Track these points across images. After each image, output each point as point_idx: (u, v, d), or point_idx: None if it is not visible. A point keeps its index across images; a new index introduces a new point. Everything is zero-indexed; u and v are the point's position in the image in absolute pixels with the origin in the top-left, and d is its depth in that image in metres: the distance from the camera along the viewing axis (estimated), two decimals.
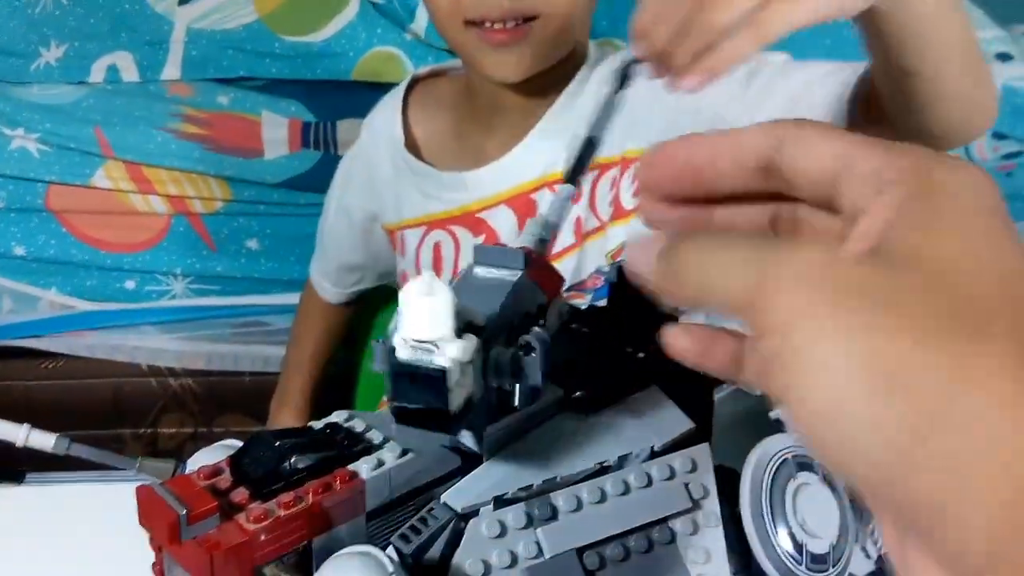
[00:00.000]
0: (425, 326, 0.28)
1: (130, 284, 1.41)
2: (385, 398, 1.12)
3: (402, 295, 0.28)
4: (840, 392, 0.21)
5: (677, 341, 0.31)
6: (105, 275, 1.40)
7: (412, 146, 0.98)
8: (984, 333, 0.21)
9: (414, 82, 1.01)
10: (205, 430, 1.39)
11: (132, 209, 1.38)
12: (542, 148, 0.87)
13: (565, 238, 0.84)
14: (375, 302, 1.22)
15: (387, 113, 1.00)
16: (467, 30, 0.81)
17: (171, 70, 1.45)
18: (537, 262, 0.34)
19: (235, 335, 1.42)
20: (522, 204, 0.89)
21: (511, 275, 0.33)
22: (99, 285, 1.40)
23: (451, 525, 0.33)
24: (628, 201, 0.83)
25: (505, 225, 0.89)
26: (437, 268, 0.93)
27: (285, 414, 1.17)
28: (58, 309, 1.39)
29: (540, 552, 0.32)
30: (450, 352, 0.28)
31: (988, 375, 0.20)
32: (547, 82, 0.86)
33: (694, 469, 0.35)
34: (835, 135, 0.28)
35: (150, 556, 0.34)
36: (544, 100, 0.87)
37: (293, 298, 1.28)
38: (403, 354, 0.28)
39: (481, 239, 0.89)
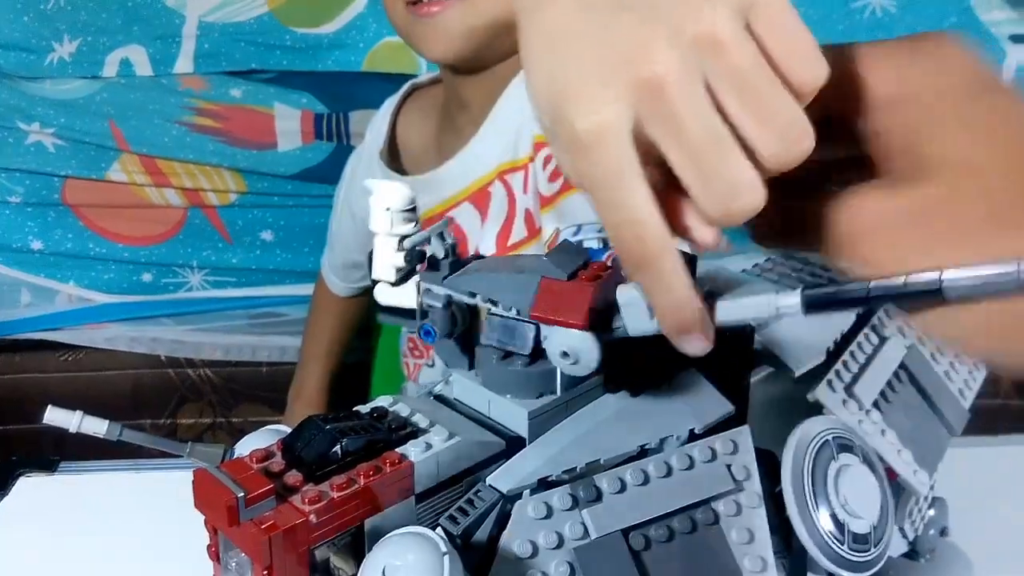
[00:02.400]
0: None
1: (147, 277, 1.42)
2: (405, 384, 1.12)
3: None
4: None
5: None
6: (122, 268, 1.41)
7: (394, 153, 0.99)
8: (1005, 223, 0.28)
9: (412, 89, 1.02)
10: (223, 420, 1.40)
11: (148, 202, 1.39)
12: (495, 139, 0.85)
13: (519, 231, 0.84)
14: None
15: (380, 118, 1.01)
16: (407, 12, 0.82)
17: (183, 63, 1.46)
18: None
19: (251, 326, 1.43)
20: (481, 198, 0.87)
21: None
22: (116, 278, 1.41)
23: (498, 507, 0.33)
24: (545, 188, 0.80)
25: (469, 222, 0.88)
26: None
27: (302, 405, 1.18)
28: (76, 302, 1.40)
29: (586, 533, 0.33)
30: None
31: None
32: (502, 73, 0.84)
33: (735, 451, 0.35)
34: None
35: (183, 541, 0.35)
36: (500, 92, 0.85)
37: (308, 289, 1.29)
38: None
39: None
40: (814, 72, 0.29)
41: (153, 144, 1.37)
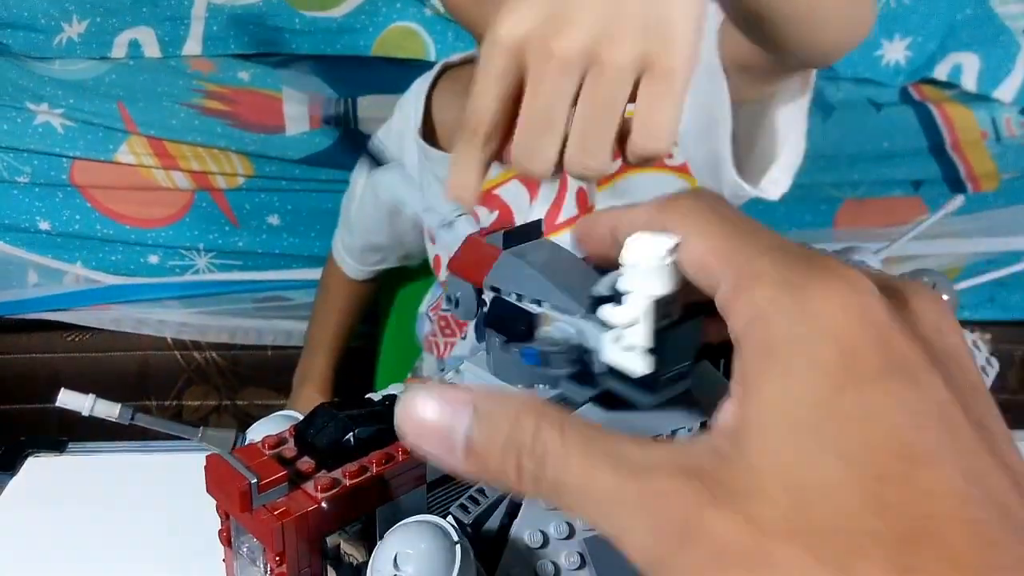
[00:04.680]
0: None
1: (154, 259, 1.42)
2: (410, 375, 1.12)
3: None
4: None
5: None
6: (129, 250, 1.41)
7: (430, 133, 0.98)
8: (856, 560, 0.19)
9: (445, 68, 1.01)
10: (229, 403, 1.41)
11: (155, 184, 1.39)
12: None
13: (569, 209, 0.84)
14: (397, 278, 1.22)
15: (413, 98, 1.00)
16: None
17: (192, 45, 1.46)
18: None
19: (257, 309, 1.43)
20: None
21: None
22: (123, 260, 1.42)
23: (509, 496, 0.33)
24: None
25: (517, 200, 0.88)
26: None
27: (308, 389, 1.18)
28: (83, 283, 1.41)
29: None
30: None
31: None
32: None
33: None
34: (701, 235, 0.24)
35: (192, 523, 0.35)
36: None
37: (314, 273, 1.29)
38: None
39: (495, 215, 0.89)
40: (652, 145, 0.38)
41: (161, 126, 1.37)
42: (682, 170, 0.82)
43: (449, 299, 0.36)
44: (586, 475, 0.21)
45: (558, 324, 0.31)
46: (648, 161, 0.39)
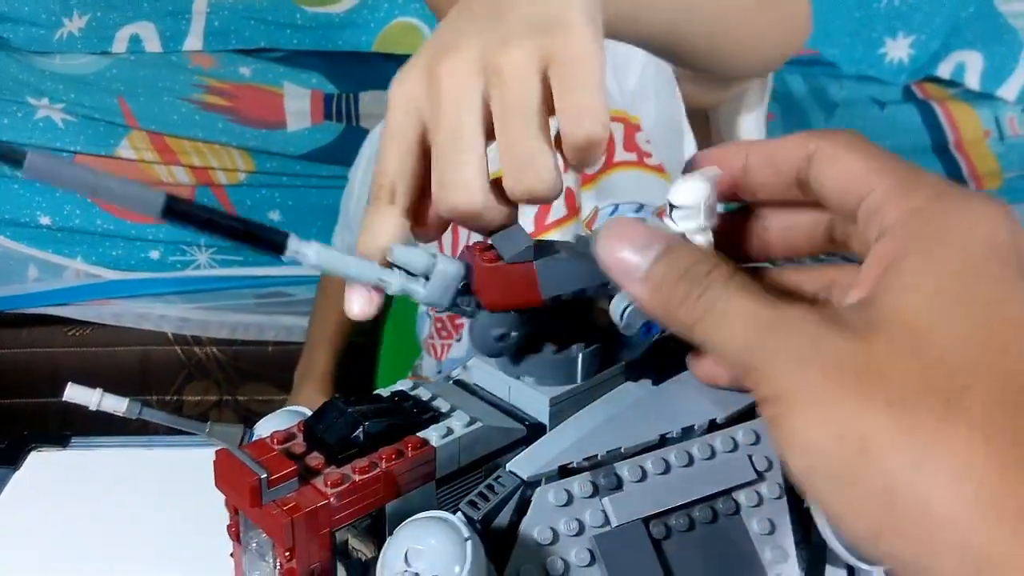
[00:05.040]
0: None
1: (155, 254, 1.42)
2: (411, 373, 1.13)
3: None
4: (818, 462, 0.23)
5: (701, 370, 0.35)
6: (130, 245, 1.41)
7: None
8: (954, 406, 0.21)
9: None
10: (230, 398, 1.41)
11: (156, 179, 1.39)
12: None
13: (557, 210, 0.84)
14: None
15: None
16: None
17: (193, 40, 1.45)
18: None
19: (258, 305, 1.43)
20: None
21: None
22: (124, 255, 1.41)
23: (518, 493, 0.33)
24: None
25: None
26: (455, 241, 0.93)
27: (308, 386, 1.18)
28: (84, 278, 1.41)
29: (607, 521, 0.33)
30: None
31: (951, 451, 0.21)
32: None
33: (757, 441, 0.35)
34: (859, 154, 0.28)
35: (196, 517, 0.35)
36: None
37: (315, 270, 1.28)
38: None
39: None
40: (584, 129, 0.33)
41: (162, 121, 1.37)
42: (659, 169, 0.83)
43: (503, 337, 0.34)
44: (734, 301, 0.26)
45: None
46: (591, 156, 0.34)
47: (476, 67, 0.33)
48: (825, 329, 0.24)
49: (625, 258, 0.29)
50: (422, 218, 0.36)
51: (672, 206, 0.32)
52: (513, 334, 0.34)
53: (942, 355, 0.22)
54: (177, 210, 0.28)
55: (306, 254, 0.32)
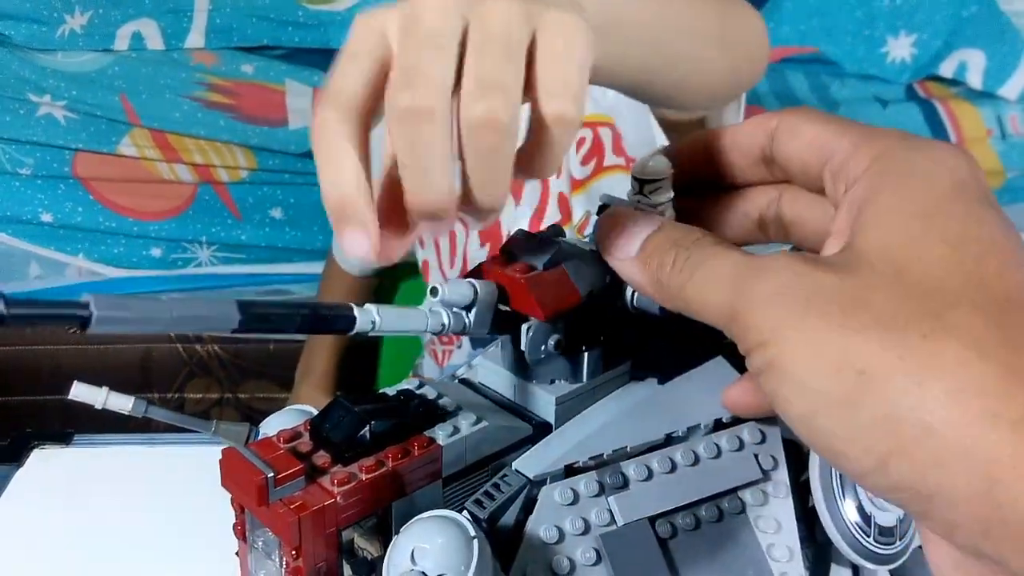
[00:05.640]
0: None
1: (156, 252, 1.42)
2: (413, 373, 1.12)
3: None
4: (815, 400, 0.23)
5: (731, 398, 0.34)
6: (132, 242, 1.41)
7: None
8: (945, 325, 0.22)
9: None
10: (231, 396, 1.41)
11: (158, 177, 1.39)
12: (524, 124, 0.84)
13: (552, 215, 0.84)
14: (399, 272, 1.22)
15: None
16: None
17: (195, 38, 1.45)
18: None
19: None
20: (513, 181, 0.87)
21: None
22: (126, 252, 1.41)
23: (524, 492, 0.33)
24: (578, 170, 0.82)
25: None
26: (452, 249, 0.93)
27: (309, 385, 1.18)
28: (86, 276, 1.41)
29: (613, 520, 0.33)
30: None
31: (948, 368, 0.21)
32: None
33: (763, 440, 0.35)
34: (817, 120, 0.29)
35: (199, 515, 0.34)
36: None
37: (316, 267, 1.29)
38: None
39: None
40: (557, 102, 0.29)
41: (164, 119, 1.37)
42: None
43: (558, 344, 0.34)
44: (720, 257, 0.27)
45: None
46: (556, 137, 0.30)
47: (458, 7, 0.29)
48: (807, 267, 0.24)
49: (621, 239, 0.30)
50: (395, 220, 0.31)
51: (642, 182, 0.33)
52: (551, 340, 0.34)
53: (924, 279, 0.23)
54: (253, 315, 0.27)
55: (375, 321, 0.30)
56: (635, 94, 0.57)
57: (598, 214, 0.34)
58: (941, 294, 0.22)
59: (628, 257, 0.30)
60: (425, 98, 0.28)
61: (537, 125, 0.30)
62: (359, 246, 0.29)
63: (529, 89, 0.30)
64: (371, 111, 0.30)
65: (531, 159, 0.30)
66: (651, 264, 0.29)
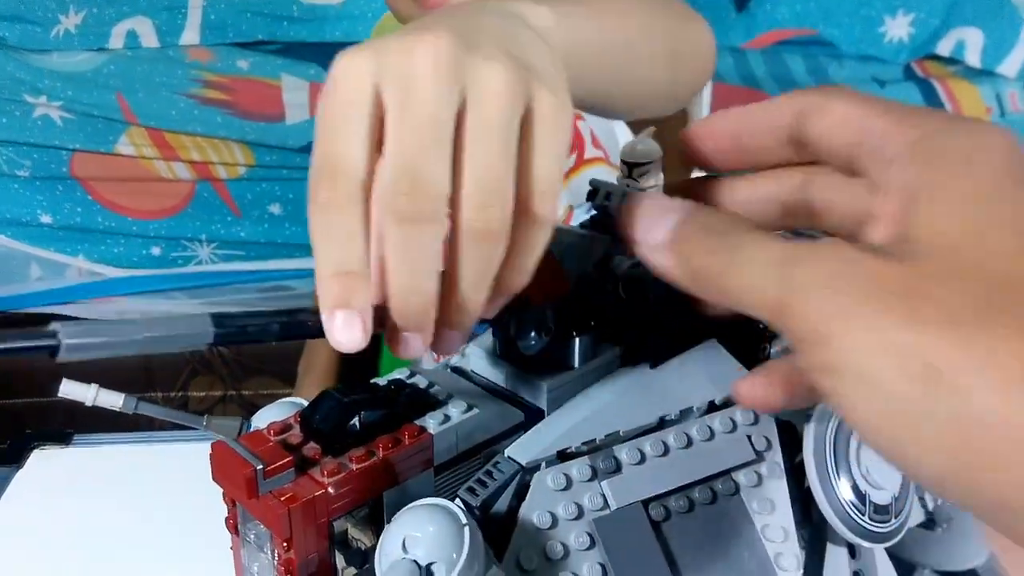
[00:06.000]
0: None
1: (156, 250, 1.42)
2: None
3: None
4: (887, 403, 0.21)
5: (754, 392, 0.31)
6: (131, 242, 1.41)
7: None
8: (1009, 316, 0.20)
9: None
10: (234, 393, 1.41)
11: (156, 176, 1.39)
12: None
13: None
14: None
15: None
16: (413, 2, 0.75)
17: (190, 35, 1.45)
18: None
19: (261, 299, 1.43)
20: None
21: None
22: (126, 252, 1.42)
23: (517, 478, 0.33)
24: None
25: None
26: None
27: (312, 378, 1.18)
28: (86, 276, 1.41)
29: (606, 504, 0.33)
30: None
31: (1020, 363, 0.19)
32: None
33: (756, 422, 0.35)
34: (852, 101, 0.28)
35: (198, 513, 0.34)
36: None
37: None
38: None
39: None
40: (548, 207, 0.29)
41: (161, 117, 1.37)
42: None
43: (548, 331, 0.33)
44: (759, 243, 0.25)
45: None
46: (544, 233, 0.29)
47: (456, 66, 0.28)
48: (859, 254, 0.22)
49: (649, 225, 0.28)
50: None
51: (631, 165, 0.32)
52: (551, 325, 0.34)
53: (987, 273, 0.21)
54: (228, 327, 0.27)
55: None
56: (582, 108, 0.57)
57: (588, 198, 0.34)
58: (1009, 288, 0.21)
59: (657, 243, 0.28)
60: (425, 203, 0.27)
61: (518, 224, 0.29)
62: (353, 332, 0.28)
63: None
64: (372, 179, 0.29)
65: (507, 266, 0.29)
66: (683, 251, 0.27)
